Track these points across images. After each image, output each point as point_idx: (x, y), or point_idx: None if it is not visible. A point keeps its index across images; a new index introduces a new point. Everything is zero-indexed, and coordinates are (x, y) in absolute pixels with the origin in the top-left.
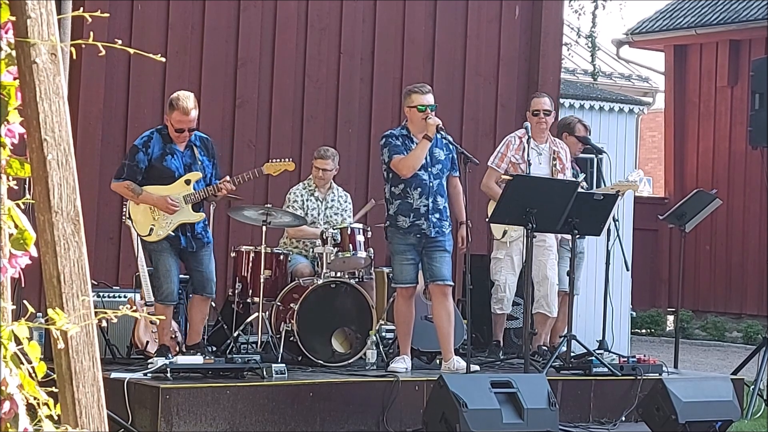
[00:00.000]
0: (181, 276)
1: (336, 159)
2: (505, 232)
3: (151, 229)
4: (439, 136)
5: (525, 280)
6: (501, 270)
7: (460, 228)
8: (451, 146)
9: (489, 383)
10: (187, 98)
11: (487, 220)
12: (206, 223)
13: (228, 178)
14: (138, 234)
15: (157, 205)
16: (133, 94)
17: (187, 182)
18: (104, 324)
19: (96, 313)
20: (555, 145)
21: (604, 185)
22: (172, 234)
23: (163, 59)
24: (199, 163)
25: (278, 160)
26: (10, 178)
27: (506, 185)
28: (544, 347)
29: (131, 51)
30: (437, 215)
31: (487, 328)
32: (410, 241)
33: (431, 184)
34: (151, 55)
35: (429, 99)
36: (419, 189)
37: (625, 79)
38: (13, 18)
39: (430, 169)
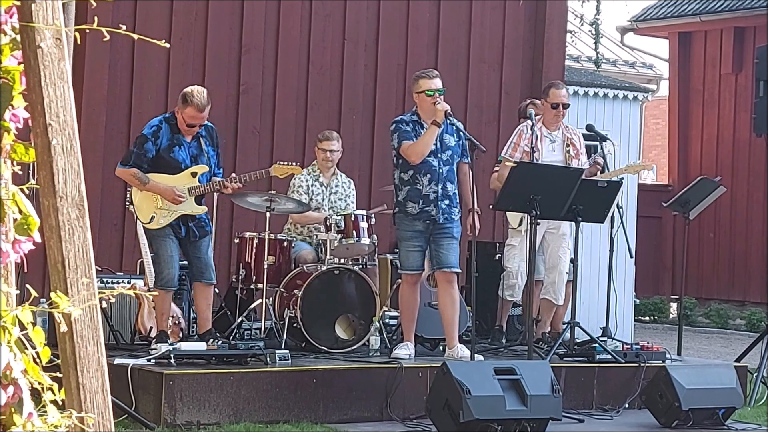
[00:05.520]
0: (183, 262)
1: (340, 141)
2: (521, 221)
3: (152, 217)
4: (448, 122)
5: (528, 267)
6: (514, 257)
7: (469, 215)
8: (461, 132)
9: (492, 370)
10: (201, 94)
11: (491, 207)
12: (207, 212)
13: (234, 176)
14: (139, 220)
15: (164, 195)
16: (137, 80)
17: (194, 174)
18: (107, 308)
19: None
20: (568, 131)
21: (607, 171)
22: (174, 222)
23: (167, 45)
24: (206, 155)
25: (286, 163)
26: (15, 163)
27: (510, 172)
28: (548, 334)
29: (135, 36)
30: (447, 201)
31: (491, 314)
32: (418, 227)
33: (440, 171)
34: (154, 41)
35: (437, 83)
36: (428, 175)
37: (630, 66)
38: (18, 2)
39: (439, 156)
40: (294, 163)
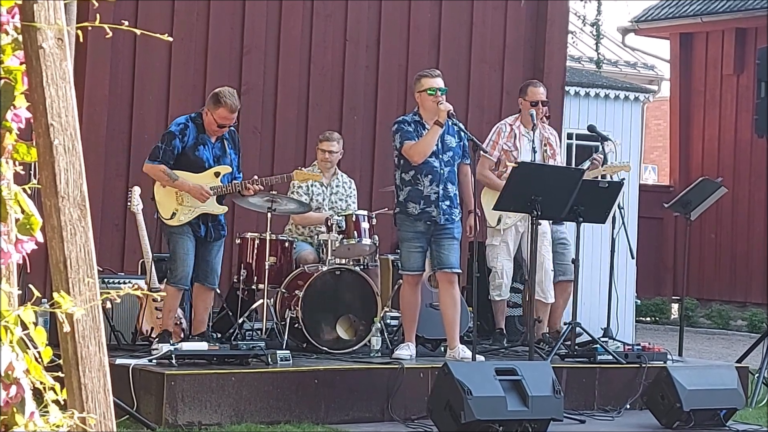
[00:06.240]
0: None
1: (341, 142)
2: (499, 219)
3: (173, 214)
4: (450, 122)
5: (529, 267)
6: (497, 257)
7: (469, 216)
8: (462, 134)
9: (494, 370)
10: (233, 95)
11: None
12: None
13: (256, 178)
14: (160, 216)
15: (192, 191)
16: (138, 81)
17: (216, 174)
18: (109, 308)
19: (101, 294)
20: (545, 131)
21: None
22: (194, 221)
23: (170, 39)
24: (228, 157)
25: (308, 169)
26: (17, 162)
27: (512, 172)
28: (548, 335)
29: (138, 32)
30: (447, 202)
31: (491, 315)
32: (419, 228)
33: (442, 171)
34: (157, 35)
35: (439, 82)
36: (430, 176)
37: (631, 67)
38: (20, 2)
39: (441, 156)
40: (317, 171)
